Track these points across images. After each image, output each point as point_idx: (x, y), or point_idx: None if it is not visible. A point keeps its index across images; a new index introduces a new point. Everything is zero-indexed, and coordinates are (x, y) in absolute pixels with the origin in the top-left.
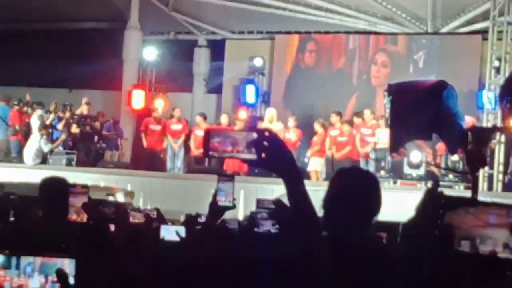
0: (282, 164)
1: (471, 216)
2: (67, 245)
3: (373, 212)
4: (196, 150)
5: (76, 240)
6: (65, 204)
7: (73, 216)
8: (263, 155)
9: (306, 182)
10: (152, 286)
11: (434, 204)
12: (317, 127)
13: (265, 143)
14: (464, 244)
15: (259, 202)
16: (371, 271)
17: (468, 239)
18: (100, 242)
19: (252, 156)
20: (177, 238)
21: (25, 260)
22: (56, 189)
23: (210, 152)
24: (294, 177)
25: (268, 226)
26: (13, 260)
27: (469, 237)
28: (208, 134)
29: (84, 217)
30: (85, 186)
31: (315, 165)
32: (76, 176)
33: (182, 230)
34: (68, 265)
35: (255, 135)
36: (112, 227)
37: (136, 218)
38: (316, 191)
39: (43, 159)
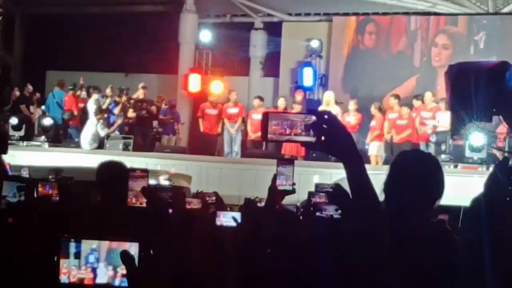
0: (341, 147)
1: None
2: (129, 230)
3: (436, 195)
4: (254, 134)
5: (137, 224)
6: (124, 189)
7: (132, 200)
8: (322, 138)
9: (366, 166)
10: (210, 271)
11: (505, 178)
12: (374, 111)
13: (324, 125)
14: None
15: (318, 187)
16: (435, 254)
17: None
18: (160, 226)
19: (311, 139)
20: (233, 224)
21: (86, 246)
22: (114, 173)
23: (269, 135)
24: (354, 160)
25: (331, 211)
26: (71, 247)
27: None
28: (267, 117)
29: (143, 202)
30: (144, 170)
31: (375, 149)
32: (133, 161)
33: (238, 216)
34: (132, 250)
35: (314, 117)
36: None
37: (193, 204)
38: (377, 175)
39: (100, 144)
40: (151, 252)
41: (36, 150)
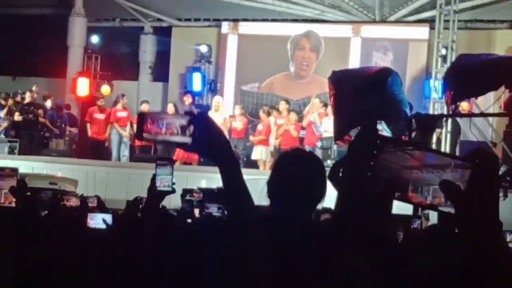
0: (216, 150)
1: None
2: None
3: (320, 194)
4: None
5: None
6: None
7: (1, 199)
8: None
9: (252, 171)
10: (78, 272)
11: (368, 142)
12: (263, 115)
13: (197, 126)
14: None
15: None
16: (309, 250)
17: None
18: (28, 227)
19: (187, 139)
20: (104, 226)
21: None
22: None
23: (144, 134)
24: (229, 163)
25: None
26: None
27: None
28: (142, 116)
29: (12, 201)
30: (13, 169)
31: (259, 153)
32: (19, 164)
33: (109, 218)
34: None
35: (188, 118)
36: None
37: (72, 202)
38: (257, 180)
39: None
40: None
41: None
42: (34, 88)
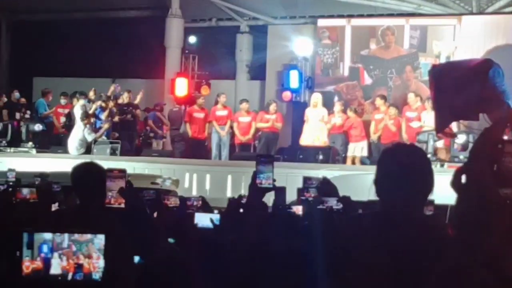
0: None
1: None
2: (102, 226)
3: (428, 187)
4: (242, 137)
5: (113, 221)
6: (102, 189)
7: (111, 201)
8: None
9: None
10: (189, 271)
11: (489, 145)
12: (350, 113)
13: None
14: None
15: (306, 182)
16: (430, 247)
17: None
18: (140, 227)
19: None
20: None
21: (39, 236)
22: (90, 174)
23: None
24: None
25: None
26: (24, 237)
27: None
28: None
29: (122, 202)
30: (122, 170)
31: (352, 150)
32: (121, 166)
33: (216, 218)
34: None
35: None
36: (154, 214)
37: (172, 201)
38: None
39: (87, 149)
40: (120, 245)
41: (23, 156)
42: (112, 88)
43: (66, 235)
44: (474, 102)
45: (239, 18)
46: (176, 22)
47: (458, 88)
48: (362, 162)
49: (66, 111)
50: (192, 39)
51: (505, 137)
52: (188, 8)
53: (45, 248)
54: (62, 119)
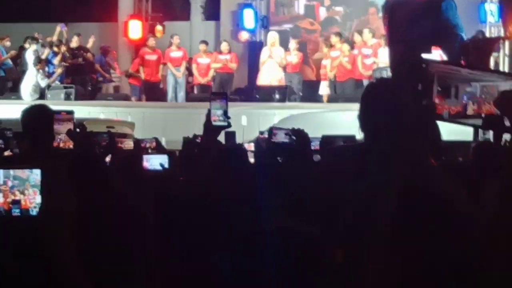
0: None
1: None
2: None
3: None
4: (201, 78)
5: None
6: (51, 132)
7: (60, 144)
8: None
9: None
10: (135, 213)
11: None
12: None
13: None
14: None
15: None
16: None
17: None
18: (87, 168)
19: None
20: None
21: None
22: (38, 117)
23: None
24: None
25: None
26: None
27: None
28: None
29: (70, 145)
30: (69, 112)
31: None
32: (76, 110)
33: (165, 160)
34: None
35: None
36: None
37: (127, 144)
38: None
39: (41, 95)
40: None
41: None
42: (58, 29)
43: (1, 171)
44: (428, 36)
45: None
46: None
47: (412, 22)
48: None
49: None
50: None
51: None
52: None
53: None
54: None
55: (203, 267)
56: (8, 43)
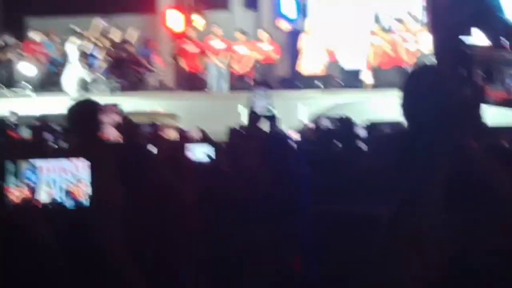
0: None
1: None
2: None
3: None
4: (240, 68)
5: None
6: (99, 124)
7: (107, 136)
8: None
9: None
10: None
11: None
12: None
13: None
14: None
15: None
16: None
17: None
18: (135, 158)
19: None
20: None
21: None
22: (86, 111)
23: None
24: None
25: None
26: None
27: None
28: None
29: (118, 136)
30: (115, 105)
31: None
32: (121, 103)
33: (211, 150)
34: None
35: None
36: (151, 147)
37: (171, 134)
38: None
39: (86, 89)
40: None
41: (22, 99)
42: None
43: (52, 161)
44: (469, 19)
45: None
46: None
47: (452, 5)
48: None
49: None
50: None
51: None
52: None
53: (30, 174)
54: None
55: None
56: (56, 38)
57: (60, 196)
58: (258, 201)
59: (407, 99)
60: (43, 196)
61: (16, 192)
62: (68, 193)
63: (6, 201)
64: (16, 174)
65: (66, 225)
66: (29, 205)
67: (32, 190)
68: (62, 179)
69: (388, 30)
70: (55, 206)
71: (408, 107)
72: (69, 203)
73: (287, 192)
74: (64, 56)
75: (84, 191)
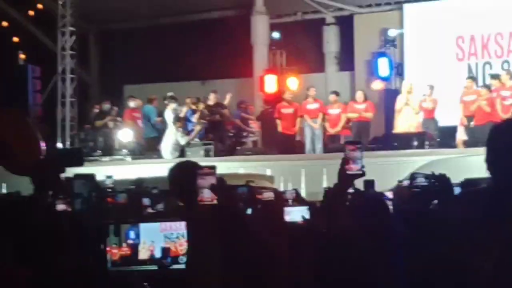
0: None
1: None
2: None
3: None
4: (332, 129)
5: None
6: (194, 187)
7: (203, 198)
8: None
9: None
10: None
11: None
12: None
13: None
14: None
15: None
16: None
17: None
18: (231, 221)
19: None
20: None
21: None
22: (185, 172)
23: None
24: None
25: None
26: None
27: None
28: None
29: (214, 199)
30: (211, 167)
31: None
32: (217, 165)
33: (306, 212)
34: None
35: None
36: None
37: (267, 196)
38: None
39: (181, 152)
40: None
41: (118, 164)
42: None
43: (154, 225)
44: None
45: (324, 10)
46: (261, 19)
47: None
48: None
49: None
50: (275, 34)
51: None
52: (272, 4)
53: (132, 234)
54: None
55: None
56: (156, 103)
57: (159, 254)
58: (354, 263)
59: (492, 152)
60: (143, 254)
61: (116, 251)
62: (167, 250)
63: (107, 261)
64: (117, 234)
65: (165, 283)
66: (129, 262)
67: (132, 248)
68: (162, 238)
69: (484, 87)
70: (154, 263)
71: (494, 161)
72: (167, 261)
73: (383, 254)
74: (163, 121)
75: (181, 248)
